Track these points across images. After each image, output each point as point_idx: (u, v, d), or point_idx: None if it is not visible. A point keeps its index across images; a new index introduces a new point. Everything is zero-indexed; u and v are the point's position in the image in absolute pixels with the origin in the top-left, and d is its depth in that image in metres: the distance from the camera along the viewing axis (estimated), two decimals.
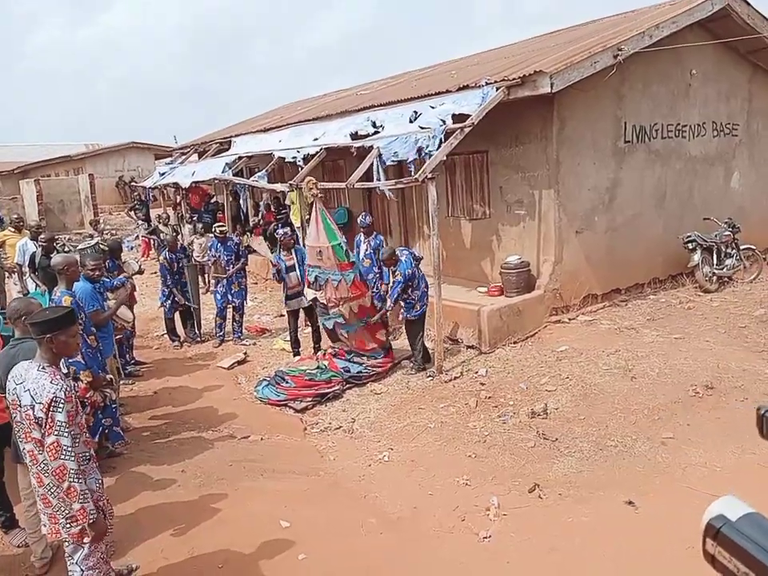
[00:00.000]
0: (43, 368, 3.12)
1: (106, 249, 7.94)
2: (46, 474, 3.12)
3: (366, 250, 8.01)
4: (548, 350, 7.34)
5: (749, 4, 8.99)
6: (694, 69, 9.31)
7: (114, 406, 5.49)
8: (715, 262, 9.05)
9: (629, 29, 8.43)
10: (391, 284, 7.42)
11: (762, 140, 10.68)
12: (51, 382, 3.06)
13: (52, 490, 3.14)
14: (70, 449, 3.03)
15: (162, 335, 9.59)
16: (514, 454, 5.28)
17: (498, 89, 7.43)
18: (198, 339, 9.33)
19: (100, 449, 5.41)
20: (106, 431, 5.44)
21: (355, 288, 7.26)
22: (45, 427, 3.03)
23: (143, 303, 11.38)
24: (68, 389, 3.12)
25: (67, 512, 3.13)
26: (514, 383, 6.62)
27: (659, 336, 7.31)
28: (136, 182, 22.33)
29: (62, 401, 3.03)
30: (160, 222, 14.15)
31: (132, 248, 16.25)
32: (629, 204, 8.82)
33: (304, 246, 7.90)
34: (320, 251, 7.23)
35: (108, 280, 6.77)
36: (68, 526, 3.15)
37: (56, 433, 3.01)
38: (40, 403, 3.02)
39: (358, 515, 4.56)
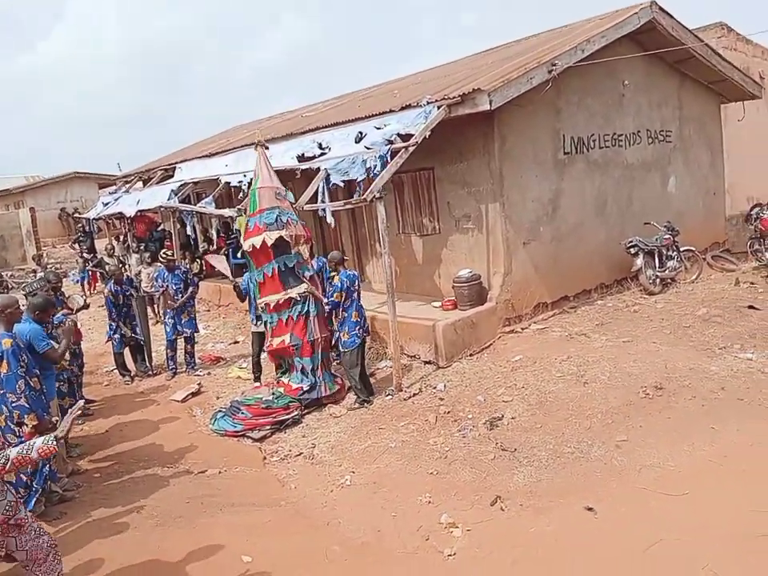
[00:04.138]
0: None
1: (52, 281, 7.67)
2: None
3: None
4: (503, 360, 7.44)
5: (672, 17, 9.41)
6: (626, 80, 9.69)
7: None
8: (657, 264, 9.37)
9: (561, 44, 8.72)
10: (329, 289, 7.43)
11: (695, 145, 11.16)
12: None
13: None
14: None
15: (112, 371, 9.30)
16: (474, 468, 5.30)
17: (439, 107, 7.56)
18: (150, 373, 9.09)
19: (50, 494, 5.20)
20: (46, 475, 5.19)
21: (306, 229, 7.52)
22: None
23: (91, 338, 11.06)
24: None
25: None
26: (471, 396, 6.67)
27: (608, 340, 7.49)
28: (80, 213, 21.73)
29: None
30: (105, 254, 13.79)
31: (77, 281, 15.75)
32: (572, 213, 9.06)
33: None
34: (278, 191, 7.27)
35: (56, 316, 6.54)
36: None
37: None
38: None
39: (322, 543, 4.50)
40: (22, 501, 4.77)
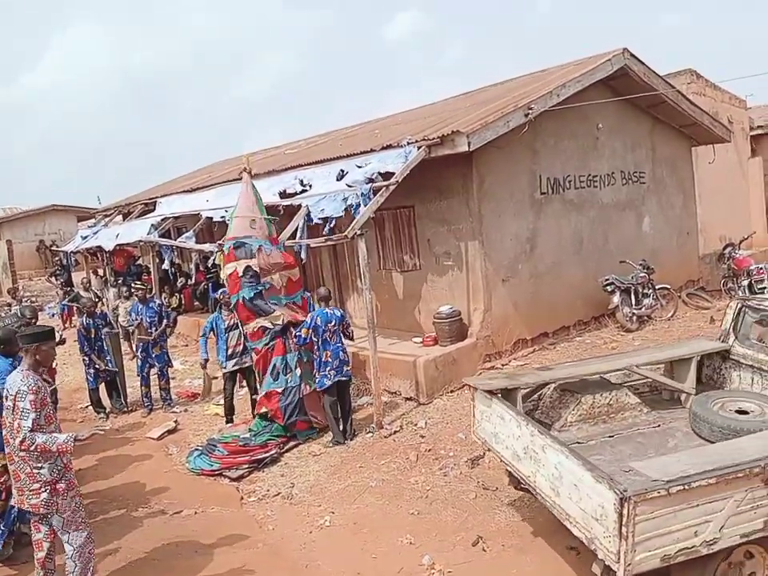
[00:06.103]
0: (22, 371, 3.95)
1: (27, 315, 7.53)
2: (16, 454, 3.92)
3: None
4: None
5: (644, 63, 9.79)
6: (600, 123, 10.01)
7: None
8: (634, 302, 9.53)
9: (538, 88, 9.00)
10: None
11: (668, 186, 11.49)
12: (21, 379, 3.88)
13: (21, 467, 3.93)
14: (28, 427, 3.80)
15: (87, 407, 9.10)
16: (456, 508, 5.26)
17: (419, 148, 7.72)
18: (125, 409, 8.90)
19: (20, 536, 5.04)
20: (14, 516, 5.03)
21: (287, 256, 7.52)
22: (13, 414, 3.85)
23: (66, 373, 10.85)
24: (32, 384, 3.89)
25: (32, 486, 3.92)
26: (452, 433, 6.65)
27: None
28: (57, 246, 21.52)
29: (25, 392, 3.83)
30: (81, 287, 13.63)
31: (53, 315, 15.51)
32: (549, 251, 9.23)
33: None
34: (254, 220, 7.34)
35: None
36: (31, 497, 3.92)
37: (19, 417, 3.81)
38: (11, 395, 3.86)
39: None
40: None
